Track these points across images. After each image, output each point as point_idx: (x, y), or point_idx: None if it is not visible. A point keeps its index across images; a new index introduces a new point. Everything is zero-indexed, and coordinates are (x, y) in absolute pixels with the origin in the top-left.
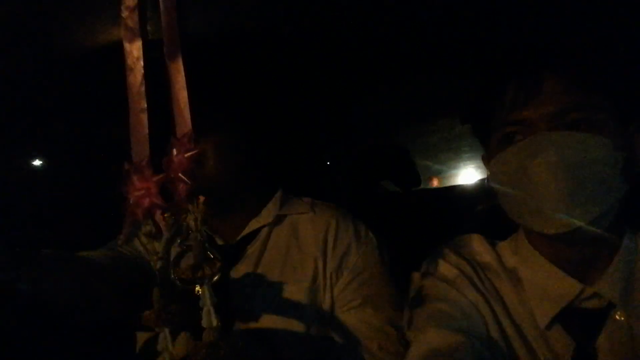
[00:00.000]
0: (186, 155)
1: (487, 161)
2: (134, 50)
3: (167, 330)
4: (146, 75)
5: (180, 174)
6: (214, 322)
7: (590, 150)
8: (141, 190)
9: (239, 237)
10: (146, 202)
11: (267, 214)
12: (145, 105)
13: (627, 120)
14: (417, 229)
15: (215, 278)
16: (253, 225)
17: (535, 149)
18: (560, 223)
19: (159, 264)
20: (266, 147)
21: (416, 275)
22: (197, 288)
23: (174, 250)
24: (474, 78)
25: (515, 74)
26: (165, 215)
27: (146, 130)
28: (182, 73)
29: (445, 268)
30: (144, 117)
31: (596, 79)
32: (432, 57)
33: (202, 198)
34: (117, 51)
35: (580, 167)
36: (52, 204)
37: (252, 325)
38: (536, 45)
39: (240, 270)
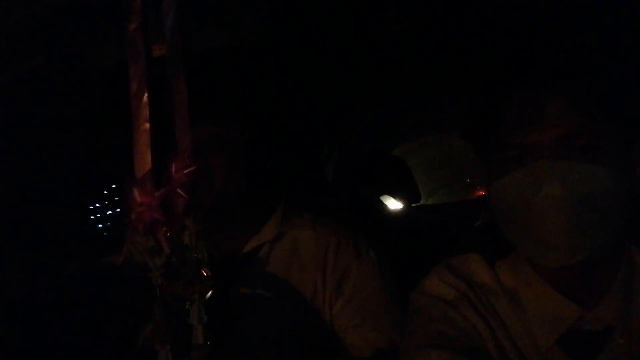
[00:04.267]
0: (185, 171)
1: (486, 179)
2: (138, 67)
3: (167, 347)
4: (149, 93)
5: (178, 189)
6: (200, 340)
7: (597, 183)
8: (143, 205)
9: (239, 255)
10: (147, 216)
11: (268, 231)
12: (148, 122)
13: (629, 143)
14: (416, 245)
15: (207, 296)
16: (254, 242)
17: (538, 178)
18: (561, 257)
19: (159, 280)
20: (270, 161)
21: (414, 295)
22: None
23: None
24: (474, 94)
25: (518, 93)
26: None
27: (148, 146)
28: (184, 90)
29: (443, 289)
30: (147, 134)
31: (602, 102)
32: (435, 70)
33: (199, 214)
34: (121, 69)
35: (585, 201)
36: (53, 214)
37: (251, 339)
38: (541, 64)
39: (239, 287)
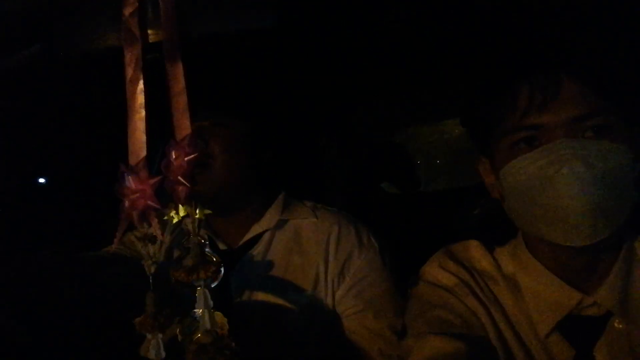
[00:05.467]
0: (186, 158)
1: (486, 165)
2: (134, 53)
3: (159, 336)
4: (145, 79)
5: (179, 177)
6: (208, 325)
7: (613, 160)
8: (136, 192)
9: (241, 242)
10: (141, 204)
11: (269, 219)
12: (143, 109)
13: (632, 123)
14: (416, 231)
15: (213, 281)
16: (255, 229)
17: (558, 157)
18: (585, 235)
19: (153, 268)
20: (271, 150)
21: (414, 282)
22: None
23: (175, 253)
24: (479, 79)
25: (529, 76)
26: (162, 218)
27: (143, 133)
28: (182, 76)
29: (443, 275)
30: (142, 121)
31: (613, 83)
32: (436, 56)
33: (199, 201)
34: (116, 54)
35: (606, 178)
36: (51, 207)
37: (253, 329)
38: (553, 46)
39: (241, 274)
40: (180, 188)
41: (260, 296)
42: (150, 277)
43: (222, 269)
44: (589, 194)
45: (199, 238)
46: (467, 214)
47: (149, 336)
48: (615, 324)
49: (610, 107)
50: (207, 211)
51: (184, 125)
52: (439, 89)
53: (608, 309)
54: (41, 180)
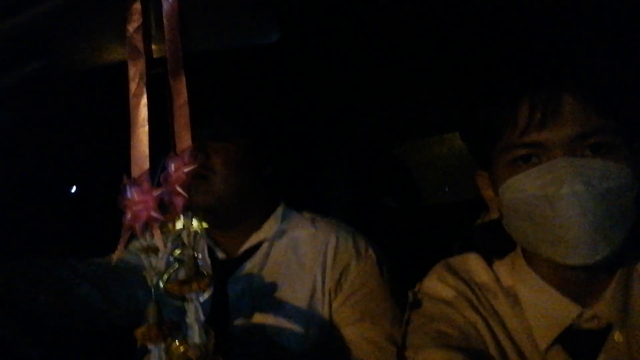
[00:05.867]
0: (185, 170)
1: (484, 179)
2: (138, 68)
3: (161, 346)
4: (148, 93)
5: (177, 188)
6: (197, 339)
7: (613, 179)
8: (139, 204)
9: (239, 251)
10: (144, 216)
11: (268, 229)
12: (146, 122)
13: (632, 139)
14: (415, 244)
15: (205, 294)
16: (254, 239)
17: (558, 176)
18: (584, 255)
19: (155, 280)
20: (271, 160)
21: (414, 295)
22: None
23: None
24: (480, 94)
25: (529, 93)
26: (164, 230)
27: (146, 146)
28: (184, 91)
29: (442, 288)
30: (145, 133)
31: (613, 101)
32: (438, 69)
33: (197, 213)
34: (120, 68)
35: (606, 197)
36: (82, 215)
37: (250, 338)
38: (554, 63)
39: (239, 284)
40: (178, 199)
41: (258, 305)
42: (153, 289)
43: (213, 282)
44: (588, 214)
45: (195, 251)
46: (467, 227)
47: (150, 347)
48: (616, 337)
49: (611, 125)
50: (205, 225)
51: (184, 139)
52: (440, 101)
53: (608, 322)
54: (72, 189)
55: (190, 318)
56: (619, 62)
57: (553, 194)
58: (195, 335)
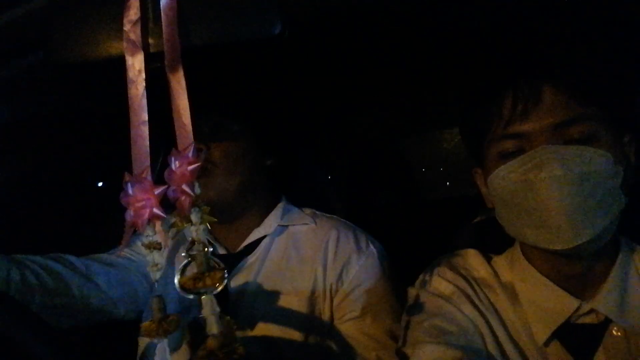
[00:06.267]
0: (189, 167)
1: (480, 175)
2: (136, 63)
3: (166, 341)
4: (147, 88)
5: (183, 186)
6: (216, 330)
7: (593, 164)
8: (141, 201)
9: (240, 247)
10: (146, 213)
11: (269, 224)
12: (146, 118)
13: (621, 132)
14: (415, 240)
15: (218, 288)
16: (255, 235)
17: (538, 162)
18: (567, 238)
19: (158, 275)
20: (272, 154)
21: (412, 290)
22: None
23: (180, 260)
24: (469, 88)
25: (512, 85)
26: (170, 226)
27: (147, 142)
28: (183, 85)
29: (441, 284)
30: (145, 129)
31: (595, 90)
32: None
33: (206, 209)
34: (118, 64)
35: (585, 181)
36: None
37: (251, 334)
38: (534, 55)
39: (240, 279)
40: (184, 197)
41: (259, 301)
42: (156, 284)
43: (227, 275)
44: (567, 197)
45: (204, 245)
46: (467, 222)
47: (155, 341)
48: (614, 332)
49: (593, 114)
50: (212, 219)
51: (186, 135)
52: (440, 97)
53: (606, 316)
54: (100, 184)
55: (206, 311)
56: (601, 52)
57: (533, 179)
58: (213, 326)
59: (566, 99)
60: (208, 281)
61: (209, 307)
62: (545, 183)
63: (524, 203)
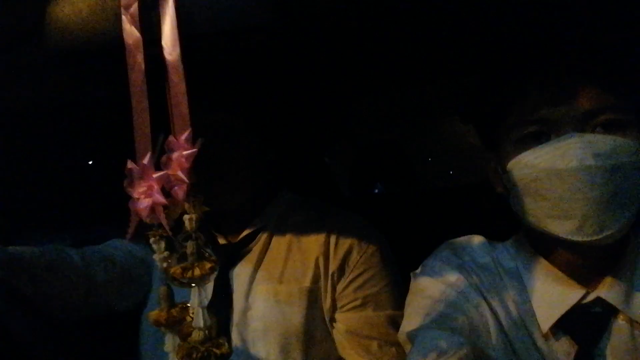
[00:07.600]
0: (184, 153)
1: (495, 162)
2: (135, 49)
3: (174, 330)
4: (147, 75)
5: (178, 173)
6: (201, 324)
7: (623, 155)
8: (144, 188)
9: (240, 236)
10: (149, 200)
11: (270, 214)
12: (147, 104)
13: None
14: (416, 229)
15: (208, 279)
16: (255, 225)
17: (567, 151)
18: (592, 230)
19: (164, 264)
20: (274, 146)
21: (416, 277)
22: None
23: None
24: (488, 71)
25: (541, 70)
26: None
27: (148, 129)
28: (182, 73)
29: (445, 270)
30: (146, 116)
31: (626, 79)
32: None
33: (200, 198)
34: (118, 50)
35: (615, 173)
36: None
37: (252, 324)
38: (567, 40)
39: (241, 269)
40: (180, 185)
41: (260, 291)
42: (163, 273)
43: (217, 268)
44: (597, 189)
45: (197, 235)
46: (471, 210)
47: (164, 330)
48: (620, 320)
49: (622, 104)
50: (205, 208)
51: (184, 123)
52: (443, 85)
53: (612, 305)
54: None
55: (194, 303)
56: (632, 42)
57: (562, 168)
58: (200, 319)
59: (596, 87)
60: (197, 271)
61: (196, 299)
62: (575, 173)
63: (548, 192)
